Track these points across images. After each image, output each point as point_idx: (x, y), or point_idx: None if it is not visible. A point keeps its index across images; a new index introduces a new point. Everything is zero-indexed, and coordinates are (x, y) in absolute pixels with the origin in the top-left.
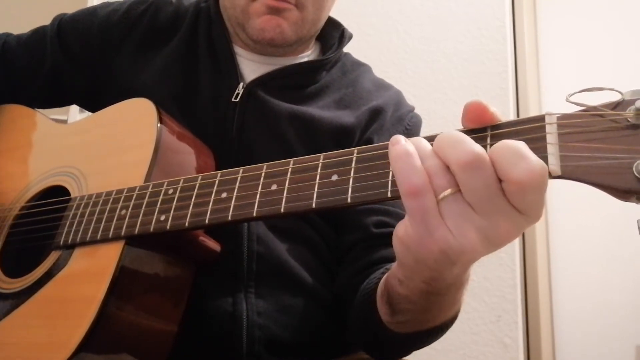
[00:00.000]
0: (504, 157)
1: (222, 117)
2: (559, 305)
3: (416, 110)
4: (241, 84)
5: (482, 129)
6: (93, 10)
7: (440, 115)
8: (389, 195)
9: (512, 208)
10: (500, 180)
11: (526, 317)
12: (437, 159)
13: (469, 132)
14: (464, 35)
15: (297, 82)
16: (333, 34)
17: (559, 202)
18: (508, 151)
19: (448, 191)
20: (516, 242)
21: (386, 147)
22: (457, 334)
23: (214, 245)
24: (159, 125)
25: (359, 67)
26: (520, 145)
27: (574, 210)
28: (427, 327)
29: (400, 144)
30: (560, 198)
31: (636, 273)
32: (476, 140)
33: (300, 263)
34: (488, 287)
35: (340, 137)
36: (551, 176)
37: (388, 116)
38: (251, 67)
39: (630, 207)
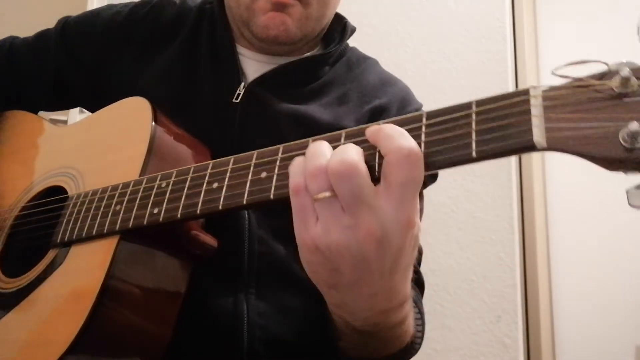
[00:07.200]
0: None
1: (223, 118)
2: (559, 305)
3: None
4: (242, 84)
5: (468, 103)
6: (97, 13)
7: None
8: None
9: (378, 203)
10: (374, 182)
11: (526, 317)
12: (318, 164)
13: (453, 106)
14: (464, 35)
15: (298, 78)
16: (335, 29)
17: (559, 202)
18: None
19: (325, 193)
20: (516, 242)
21: (371, 127)
22: (457, 334)
23: (210, 240)
24: (153, 123)
25: (365, 61)
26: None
27: (574, 211)
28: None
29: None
30: (560, 198)
31: (636, 273)
32: (461, 116)
33: (300, 264)
34: (488, 287)
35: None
36: (537, 149)
37: (391, 116)
38: (254, 67)
39: (631, 207)
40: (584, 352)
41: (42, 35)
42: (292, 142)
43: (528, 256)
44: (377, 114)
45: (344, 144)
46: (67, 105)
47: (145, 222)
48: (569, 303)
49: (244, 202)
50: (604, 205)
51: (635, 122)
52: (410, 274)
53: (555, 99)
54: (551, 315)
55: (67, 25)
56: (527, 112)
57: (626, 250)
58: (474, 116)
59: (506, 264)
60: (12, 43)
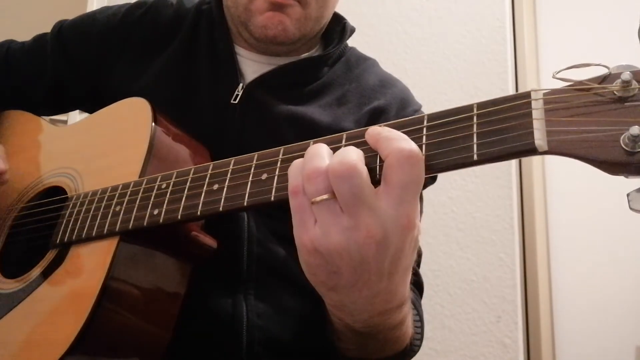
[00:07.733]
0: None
1: (222, 119)
2: (558, 306)
3: None
4: (240, 85)
5: (469, 106)
6: (92, 15)
7: None
8: None
9: (378, 204)
10: (374, 185)
11: (526, 317)
12: (315, 166)
13: (454, 109)
14: (464, 35)
15: (297, 79)
16: (334, 29)
17: (559, 202)
18: (388, 134)
19: (324, 196)
20: (516, 243)
21: (370, 130)
22: (457, 334)
23: (209, 241)
24: (153, 123)
25: (365, 62)
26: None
27: (574, 211)
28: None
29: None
30: (560, 199)
31: (636, 273)
32: (463, 119)
33: (299, 266)
34: (488, 287)
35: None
36: (538, 152)
37: (390, 117)
38: (253, 68)
39: (632, 211)
40: (584, 353)
41: (39, 40)
42: (293, 144)
43: (528, 256)
44: (377, 115)
45: (345, 146)
46: (66, 109)
47: (145, 224)
48: (569, 303)
49: (245, 203)
50: (604, 206)
51: (636, 126)
52: (409, 276)
53: (556, 102)
54: (551, 316)
55: (63, 29)
56: (529, 115)
57: (626, 251)
58: (475, 119)
59: (506, 264)
60: (9, 47)
